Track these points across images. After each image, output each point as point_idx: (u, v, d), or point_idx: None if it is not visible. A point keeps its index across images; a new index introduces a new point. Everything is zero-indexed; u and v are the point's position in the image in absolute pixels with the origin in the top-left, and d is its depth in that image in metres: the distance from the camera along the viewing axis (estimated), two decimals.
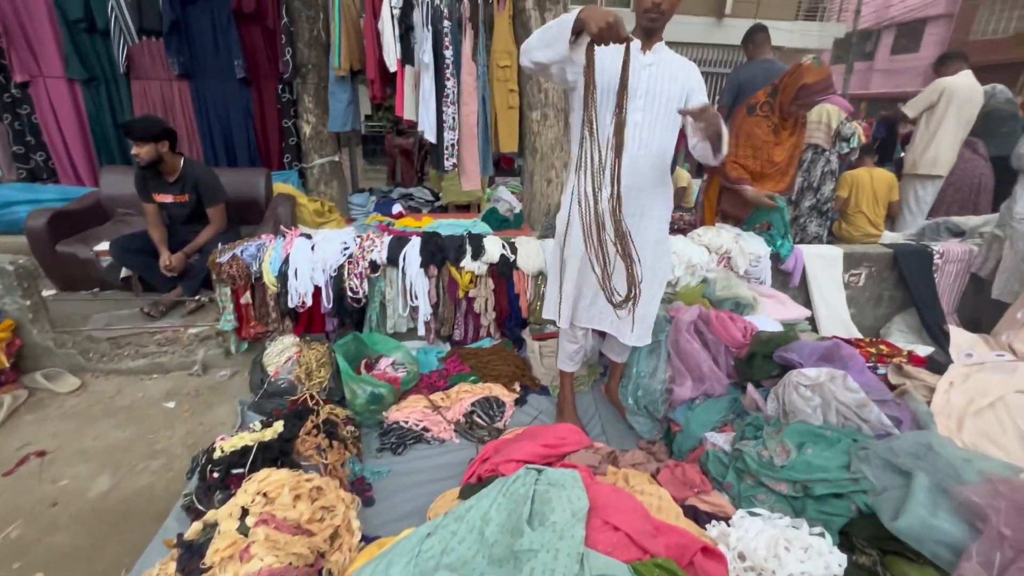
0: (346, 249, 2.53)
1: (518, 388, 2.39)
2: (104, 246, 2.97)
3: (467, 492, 1.60)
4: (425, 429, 2.12)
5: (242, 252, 2.50)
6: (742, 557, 1.28)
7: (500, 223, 4.28)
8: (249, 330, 2.58)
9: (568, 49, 1.45)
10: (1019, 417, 2.13)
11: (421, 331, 2.65)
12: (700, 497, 1.59)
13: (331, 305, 2.51)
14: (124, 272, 3.04)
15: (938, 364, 2.45)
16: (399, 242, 2.58)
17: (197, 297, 2.94)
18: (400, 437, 2.08)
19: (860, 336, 2.84)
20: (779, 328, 2.31)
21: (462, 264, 2.55)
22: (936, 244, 3.04)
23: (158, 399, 2.43)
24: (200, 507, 1.61)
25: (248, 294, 2.51)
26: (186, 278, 2.92)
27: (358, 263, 2.51)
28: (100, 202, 3.55)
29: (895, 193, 3.66)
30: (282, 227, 2.76)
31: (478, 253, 2.56)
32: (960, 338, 2.69)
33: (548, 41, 1.51)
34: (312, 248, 2.51)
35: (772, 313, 2.51)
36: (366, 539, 1.54)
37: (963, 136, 3.75)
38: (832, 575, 1.21)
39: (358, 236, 2.64)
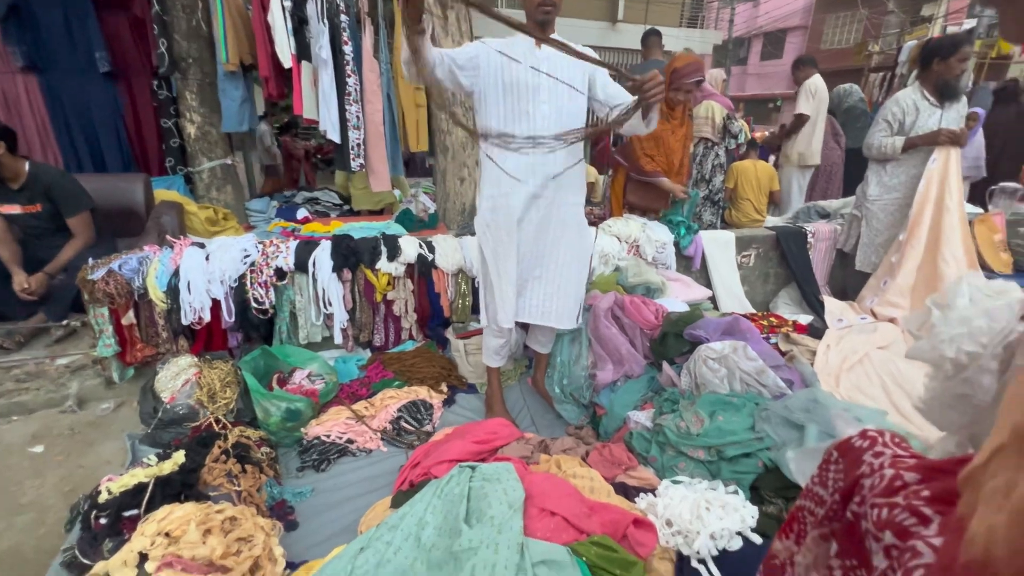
0: (247, 257, 2.33)
1: (445, 389, 2.35)
2: None
3: (399, 499, 1.54)
4: (349, 441, 2.01)
5: (120, 266, 2.20)
6: (669, 523, 1.35)
7: (415, 224, 4.19)
8: (135, 354, 2.28)
9: (419, 44, 1.50)
10: (881, 370, 2.48)
11: (338, 339, 2.51)
12: (628, 473, 1.66)
13: (233, 319, 2.29)
14: None
15: (817, 330, 2.79)
16: (307, 246, 2.42)
17: (65, 322, 2.55)
18: (322, 453, 1.95)
19: (753, 311, 3.14)
20: (686, 308, 2.48)
21: (378, 266, 2.45)
22: (809, 225, 3.44)
23: (20, 445, 2.07)
24: (85, 561, 1.39)
25: (131, 313, 2.22)
26: (49, 302, 2.52)
27: (262, 271, 2.32)
28: None
29: (775, 183, 4.09)
30: (168, 237, 2.48)
31: (394, 254, 2.47)
32: (832, 306, 3.08)
33: (405, 47, 1.56)
34: (207, 258, 2.27)
35: (679, 295, 2.70)
36: (292, 565, 1.43)
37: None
38: (747, 527, 1.31)
39: (260, 242, 2.44)
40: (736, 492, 1.47)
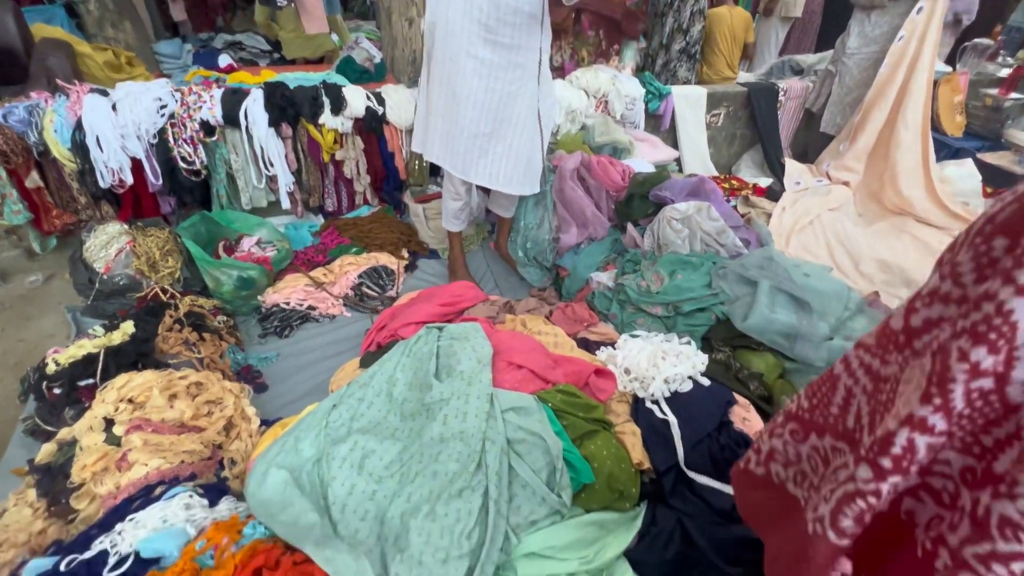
0: (163, 107, 2.00)
1: (406, 254, 2.29)
2: None
3: (368, 360, 1.56)
4: (311, 308, 1.98)
5: (5, 116, 1.86)
6: (627, 371, 1.44)
7: (359, 75, 3.70)
8: (52, 222, 2.05)
9: None
10: (828, 231, 2.59)
11: (285, 204, 2.32)
12: (589, 330, 1.73)
13: (160, 181, 2.05)
14: None
15: (775, 193, 2.83)
16: (235, 95, 2.10)
17: None
18: (283, 320, 1.92)
19: (716, 174, 3.12)
20: (652, 169, 2.42)
21: (321, 121, 2.19)
22: (781, 82, 3.29)
23: None
24: (48, 428, 1.38)
25: (35, 175, 1.94)
26: None
27: (185, 125, 2.02)
28: None
29: (751, 34, 3.78)
30: (60, 82, 2.07)
31: (338, 106, 2.20)
32: (792, 169, 3.09)
33: None
34: (114, 108, 1.94)
35: (646, 156, 2.61)
36: (266, 423, 1.47)
37: None
38: (697, 372, 1.43)
39: (177, 90, 2.09)
40: (689, 343, 1.57)
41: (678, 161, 3.00)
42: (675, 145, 3.03)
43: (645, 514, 1.16)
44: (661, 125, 2.99)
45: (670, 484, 1.19)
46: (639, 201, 2.09)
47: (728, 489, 1.17)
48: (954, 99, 3.45)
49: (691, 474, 1.19)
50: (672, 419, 1.28)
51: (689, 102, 3.02)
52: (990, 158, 3.13)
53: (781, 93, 3.21)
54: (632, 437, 1.25)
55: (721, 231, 1.94)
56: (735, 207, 2.60)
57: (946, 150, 3.24)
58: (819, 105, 3.19)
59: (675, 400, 1.35)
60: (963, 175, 2.88)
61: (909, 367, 0.47)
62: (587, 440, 1.20)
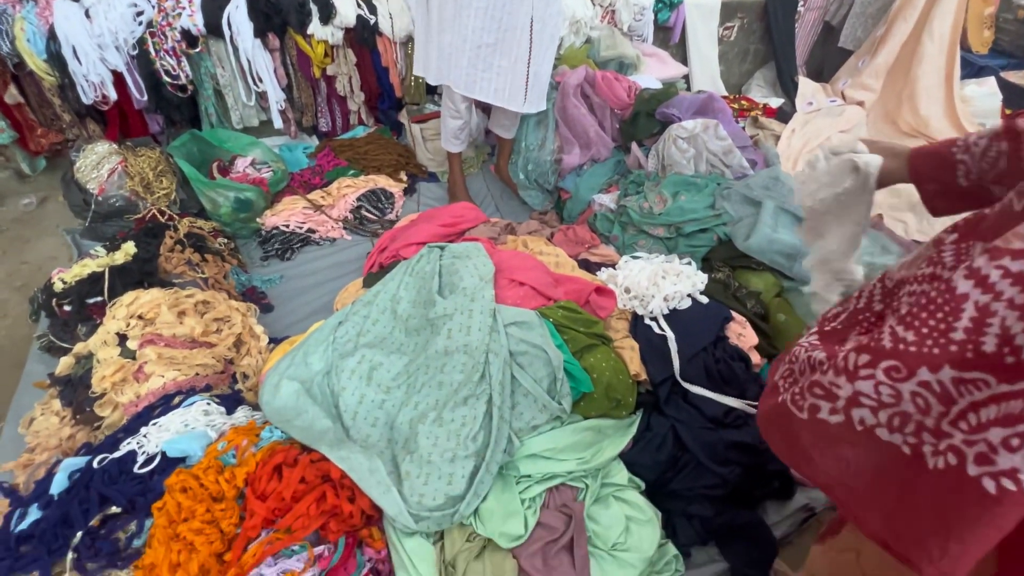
0: (140, 14, 1.86)
1: (405, 177, 2.24)
2: None
3: (371, 280, 1.58)
4: (311, 231, 1.97)
5: None
6: (628, 290, 1.46)
7: None
8: (38, 141, 1.98)
9: None
10: None
11: (278, 123, 2.23)
12: (591, 251, 1.74)
13: (145, 97, 1.96)
14: None
15: (786, 114, 2.72)
16: (215, 1, 1.95)
17: None
18: (284, 242, 1.92)
19: (726, 93, 2.98)
20: (659, 86, 2.31)
21: (310, 31, 2.05)
22: None
23: None
24: (63, 344, 1.42)
25: (13, 89, 1.84)
26: None
27: (165, 34, 1.90)
28: None
29: None
30: None
31: (327, 14, 2.05)
32: (805, 88, 2.96)
33: None
34: (87, 14, 1.81)
35: (653, 72, 2.48)
36: (275, 341, 1.51)
37: None
38: (697, 290, 1.45)
39: None
40: (689, 263, 1.58)
41: (687, 79, 2.85)
42: (684, 61, 2.87)
43: (640, 421, 1.23)
44: (670, 38, 2.82)
45: (665, 394, 1.25)
46: (645, 119, 2.01)
47: (720, 397, 1.23)
48: (985, 11, 3.21)
49: (686, 385, 1.24)
50: (670, 334, 1.32)
51: (701, 12, 2.82)
52: (1014, 77, 2.98)
53: (800, 3, 2.99)
54: (630, 351, 1.29)
55: (728, 151, 1.89)
56: (743, 128, 2.51)
57: (969, 68, 3.07)
58: (840, 17, 2.99)
59: (673, 317, 1.38)
60: (983, 94, 2.76)
61: None
62: (587, 353, 1.24)
